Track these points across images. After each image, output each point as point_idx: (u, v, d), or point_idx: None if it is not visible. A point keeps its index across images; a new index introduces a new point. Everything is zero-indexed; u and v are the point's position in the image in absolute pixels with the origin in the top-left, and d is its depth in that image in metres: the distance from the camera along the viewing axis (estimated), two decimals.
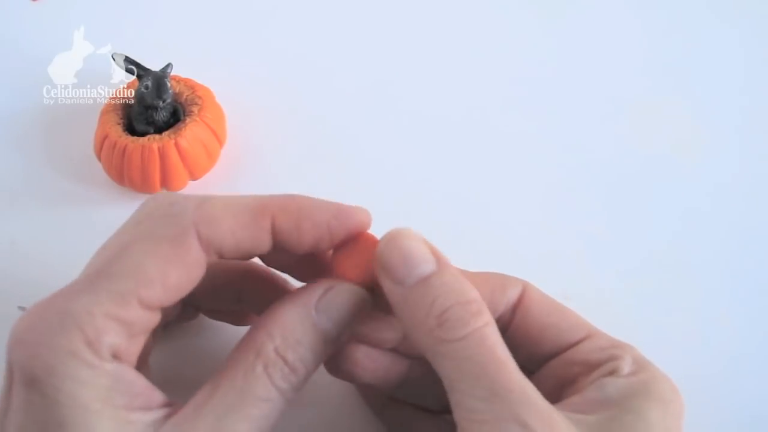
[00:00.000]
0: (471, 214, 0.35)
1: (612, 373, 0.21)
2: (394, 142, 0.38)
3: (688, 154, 0.38)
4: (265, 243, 0.21)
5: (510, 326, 0.23)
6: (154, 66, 0.36)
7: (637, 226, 0.36)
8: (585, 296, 0.34)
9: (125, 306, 0.19)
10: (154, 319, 0.20)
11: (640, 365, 0.22)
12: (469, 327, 0.20)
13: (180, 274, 0.20)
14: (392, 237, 0.21)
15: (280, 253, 0.22)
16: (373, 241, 0.22)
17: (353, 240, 0.23)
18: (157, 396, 0.20)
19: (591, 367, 0.22)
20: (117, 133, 0.35)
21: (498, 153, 0.38)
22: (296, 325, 0.21)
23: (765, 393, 0.31)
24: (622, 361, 0.22)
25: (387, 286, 0.21)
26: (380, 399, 0.27)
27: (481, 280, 0.23)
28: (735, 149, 0.39)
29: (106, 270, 0.19)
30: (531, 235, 0.35)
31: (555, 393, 0.22)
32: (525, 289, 0.23)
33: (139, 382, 0.20)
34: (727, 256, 0.35)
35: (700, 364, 0.32)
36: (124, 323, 0.19)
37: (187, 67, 0.37)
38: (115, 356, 0.19)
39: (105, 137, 0.35)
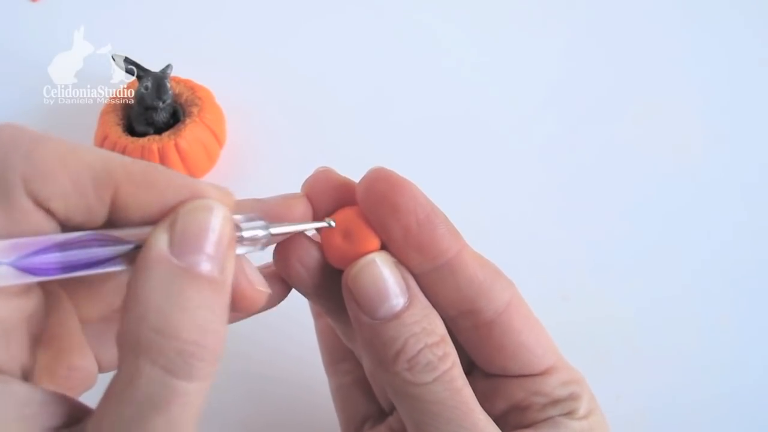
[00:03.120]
0: (471, 215, 0.35)
1: (569, 413, 0.22)
2: (394, 142, 0.38)
3: (688, 155, 0.38)
4: (99, 218, 0.17)
5: (487, 334, 0.22)
6: (154, 66, 0.36)
7: (637, 227, 0.36)
8: (584, 296, 0.34)
9: None
10: (25, 302, 0.17)
11: (591, 408, 0.22)
12: (437, 371, 0.20)
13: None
14: (364, 265, 0.20)
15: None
16: (373, 244, 0.21)
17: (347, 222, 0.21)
18: (59, 409, 0.17)
19: (552, 401, 0.22)
20: (117, 133, 0.35)
21: (497, 153, 0.38)
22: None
23: (765, 392, 0.31)
24: (580, 402, 0.22)
25: (354, 314, 0.21)
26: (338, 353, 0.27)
27: (480, 267, 0.21)
28: (736, 150, 0.39)
29: None
30: (530, 235, 0.35)
31: (503, 413, 0.22)
32: (512, 297, 0.22)
33: (33, 397, 0.16)
34: (728, 256, 0.35)
35: (700, 365, 0.32)
36: None
37: (187, 68, 0.38)
38: None
39: (105, 138, 0.36)
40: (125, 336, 0.16)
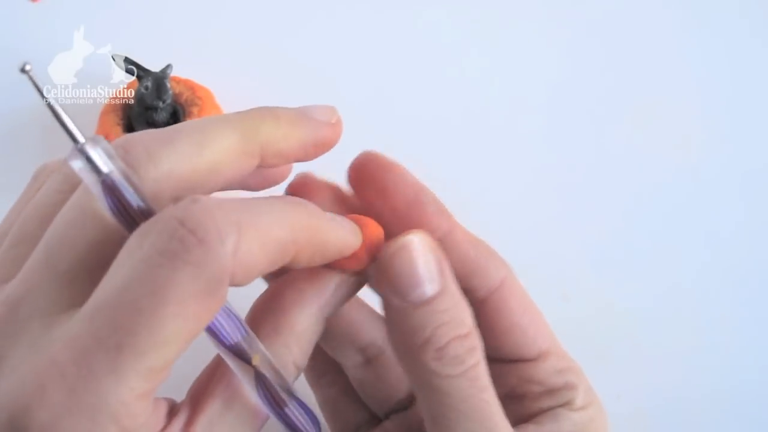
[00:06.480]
0: (472, 214, 0.35)
1: (567, 404, 0.22)
2: (395, 142, 0.38)
3: (688, 154, 0.38)
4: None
5: (479, 313, 0.22)
6: (154, 66, 0.36)
7: (637, 226, 0.36)
8: (585, 296, 0.34)
9: (155, 379, 0.16)
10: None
11: (589, 397, 0.22)
12: (464, 365, 0.19)
13: (203, 327, 0.17)
14: (400, 247, 0.20)
15: None
16: (376, 233, 0.21)
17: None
18: None
19: (547, 390, 0.22)
20: (117, 133, 0.35)
21: (497, 153, 0.38)
22: (310, 333, 0.20)
23: (765, 391, 0.31)
24: (577, 391, 0.22)
25: (385, 295, 0.20)
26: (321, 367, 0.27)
27: (472, 245, 0.22)
28: (736, 149, 0.39)
29: (130, 342, 0.16)
30: (531, 234, 0.35)
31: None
32: (506, 276, 0.22)
33: None
34: (729, 256, 0.35)
35: (701, 364, 0.32)
36: (152, 394, 0.17)
37: (187, 68, 0.37)
38: None
39: (105, 138, 0.35)
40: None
